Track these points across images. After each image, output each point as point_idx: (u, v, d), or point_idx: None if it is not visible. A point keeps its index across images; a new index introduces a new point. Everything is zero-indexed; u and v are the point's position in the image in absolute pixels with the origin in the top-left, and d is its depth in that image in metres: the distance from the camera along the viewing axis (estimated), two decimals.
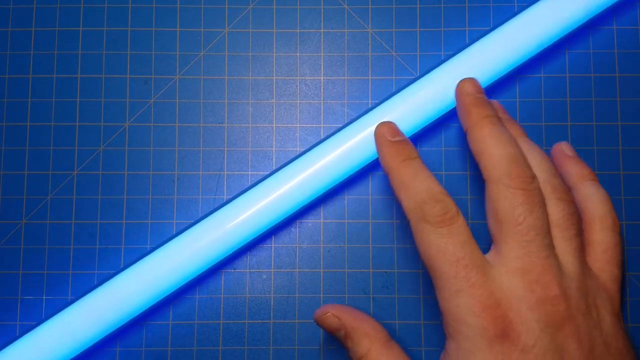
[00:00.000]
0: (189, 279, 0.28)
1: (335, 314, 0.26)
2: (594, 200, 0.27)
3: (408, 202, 0.25)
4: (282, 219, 0.29)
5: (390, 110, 0.28)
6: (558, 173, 0.26)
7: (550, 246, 0.24)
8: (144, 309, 0.28)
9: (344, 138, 0.28)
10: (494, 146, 0.25)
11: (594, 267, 0.25)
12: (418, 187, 0.25)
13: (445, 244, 0.23)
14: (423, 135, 0.30)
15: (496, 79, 0.29)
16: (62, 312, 0.28)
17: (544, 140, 0.30)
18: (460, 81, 0.27)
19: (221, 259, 0.28)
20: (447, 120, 0.30)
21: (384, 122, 0.28)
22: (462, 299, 0.22)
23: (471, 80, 0.27)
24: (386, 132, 0.27)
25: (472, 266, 0.23)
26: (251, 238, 0.29)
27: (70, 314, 0.27)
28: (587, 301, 0.23)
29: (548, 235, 0.24)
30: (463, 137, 0.30)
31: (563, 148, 0.29)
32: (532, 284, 0.22)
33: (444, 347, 0.24)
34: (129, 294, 0.27)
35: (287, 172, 0.28)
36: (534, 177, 0.25)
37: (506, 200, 0.24)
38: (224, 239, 0.28)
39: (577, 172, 0.28)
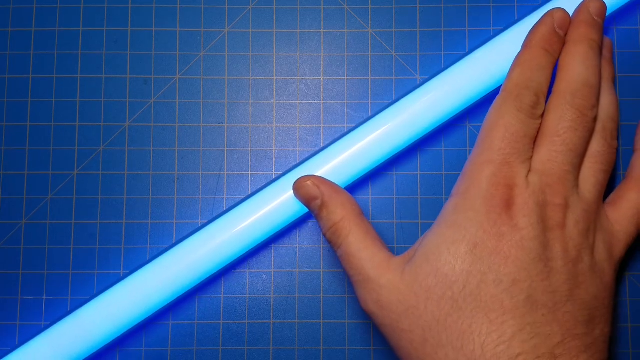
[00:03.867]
0: (188, 289, 0.28)
1: (315, 183, 0.26)
2: None
3: (514, 78, 0.25)
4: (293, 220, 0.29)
5: (392, 118, 0.28)
6: (617, 124, 0.27)
7: (576, 167, 0.25)
8: (144, 311, 0.28)
9: (354, 140, 0.28)
10: (579, 65, 0.26)
11: (612, 215, 0.26)
12: (535, 75, 0.25)
13: (513, 124, 0.24)
14: None
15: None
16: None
17: None
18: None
19: (214, 272, 0.29)
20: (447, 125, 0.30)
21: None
22: (489, 167, 0.24)
23: (601, 3, 0.27)
24: (561, 18, 0.27)
25: (517, 152, 0.24)
26: (245, 251, 0.29)
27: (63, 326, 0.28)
28: (588, 226, 0.24)
29: (578, 158, 0.25)
30: (462, 139, 0.30)
31: None
32: (545, 186, 0.24)
33: (443, 207, 0.25)
34: (130, 298, 0.28)
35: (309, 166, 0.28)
36: (594, 108, 0.25)
37: (557, 112, 0.25)
38: (218, 250, 0.28)
39: None
